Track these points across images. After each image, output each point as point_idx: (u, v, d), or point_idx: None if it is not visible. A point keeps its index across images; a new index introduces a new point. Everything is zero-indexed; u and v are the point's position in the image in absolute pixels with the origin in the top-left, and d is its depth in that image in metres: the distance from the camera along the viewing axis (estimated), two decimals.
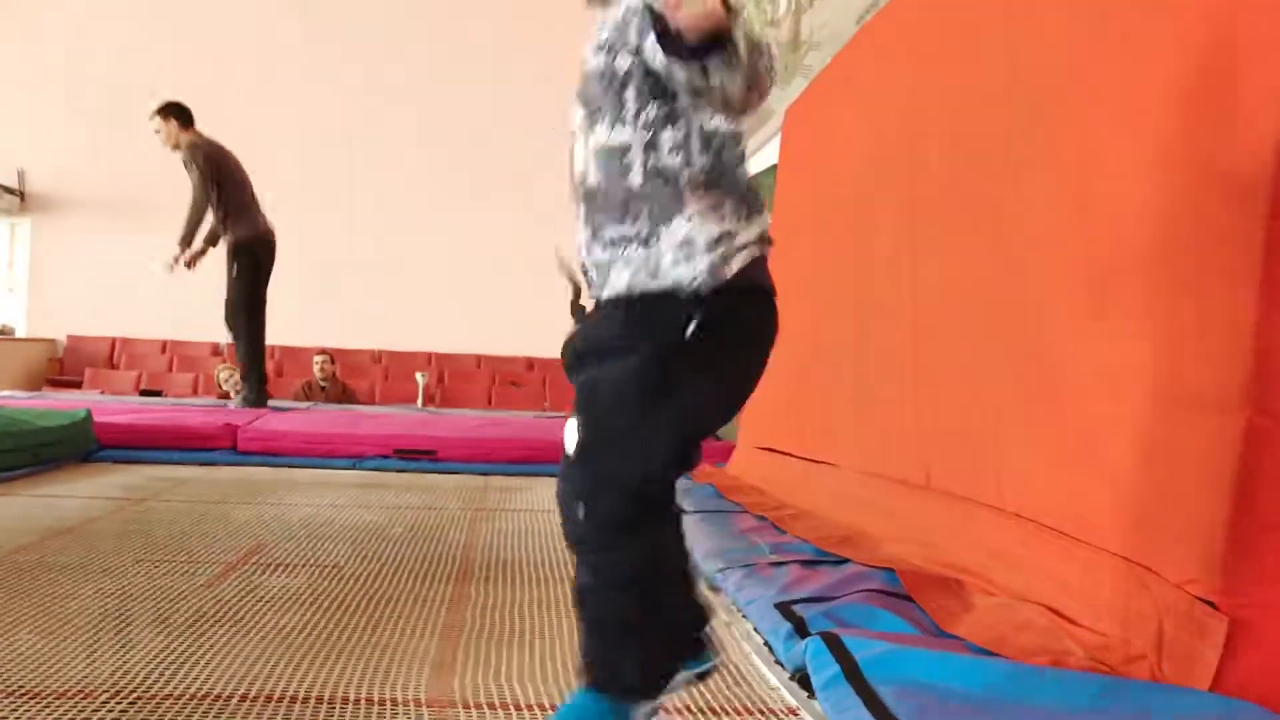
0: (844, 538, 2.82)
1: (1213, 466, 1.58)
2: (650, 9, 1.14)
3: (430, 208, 11.96)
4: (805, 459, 3.71)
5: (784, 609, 2.15)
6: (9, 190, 11.59)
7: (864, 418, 3.19)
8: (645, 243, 1.28)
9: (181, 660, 1.82)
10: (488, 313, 12.14)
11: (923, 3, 3.19)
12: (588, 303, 1.39)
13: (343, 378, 10.41)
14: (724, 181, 1.29)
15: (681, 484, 3.60)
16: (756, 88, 1.17)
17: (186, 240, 6.09)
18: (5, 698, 1.59)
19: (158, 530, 3.16)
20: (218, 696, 1.64)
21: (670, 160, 1.27)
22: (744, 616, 2.30)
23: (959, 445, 2.51)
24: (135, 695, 1.63)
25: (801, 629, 2.00)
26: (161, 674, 1.74)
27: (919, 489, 2.70)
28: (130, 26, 11.75)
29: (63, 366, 11.61)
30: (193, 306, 11.51)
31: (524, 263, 12.12)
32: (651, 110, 1.28)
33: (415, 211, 11.91)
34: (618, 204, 1.30)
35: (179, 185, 6.52)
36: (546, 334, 12.24)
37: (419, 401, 10.58)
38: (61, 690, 1.64)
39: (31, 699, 1.59)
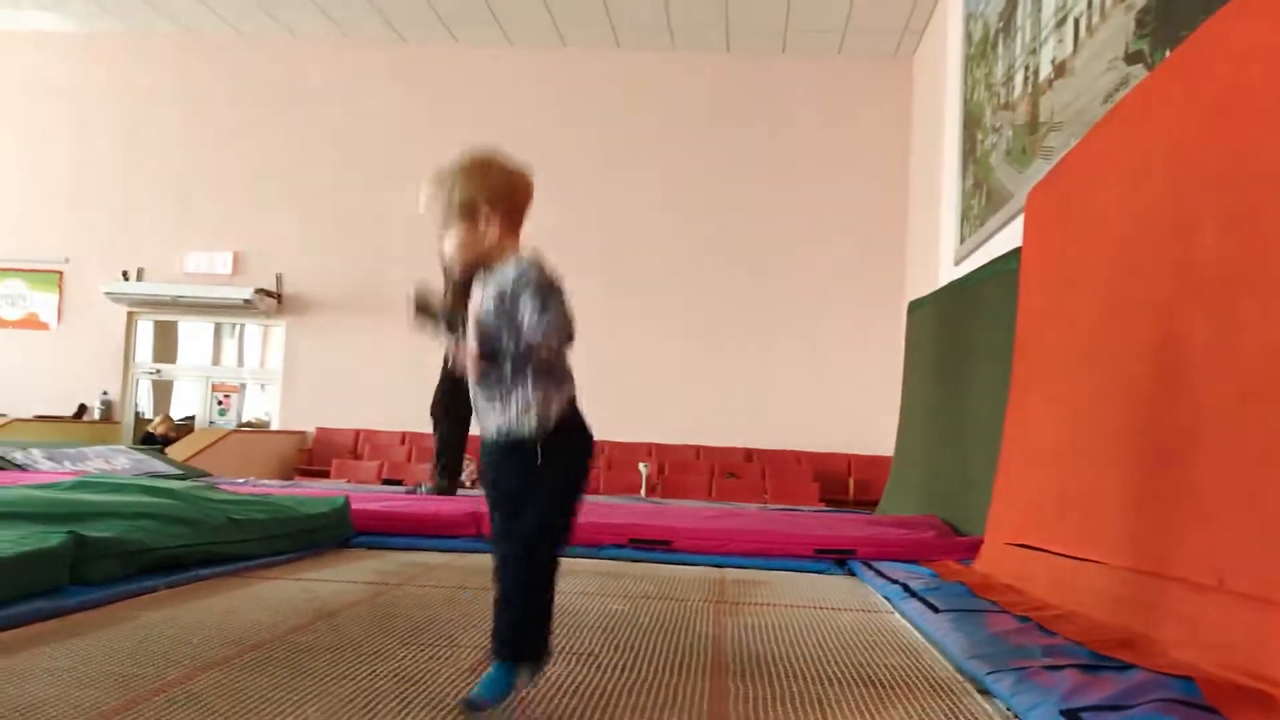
0: (1121, 641, 2.63)
1: None
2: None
3: (649, 303, 12.21)
4: (1066, 556, 3.50)
5: (1071, 717, 2.01)
6: (269, 293, 12.54)
7: (1136, 512, 2.99)
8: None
9: None
10: (706, 404, 12.22)
11: (1187, 76, 3.05)
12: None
13: None
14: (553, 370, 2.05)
15: (930, 583, 3.47)
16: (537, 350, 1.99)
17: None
18: None
19: (415, 614, 3.27)
20: None
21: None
22: None
23: (1259, 543, 2.31)
24: None
25: None
26: None
27: (1208, 590, 2.49)
28: (390, 142, 12.62)
29: (311, 457, 12.34)
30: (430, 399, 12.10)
31: (742, 355, 12.20)
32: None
33: (634, 307, 12.18)
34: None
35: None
36: (764, 426, 12.23)
37: (643, 491, 10.68)
38: None
39: None
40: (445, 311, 2.07)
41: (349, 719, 1.99)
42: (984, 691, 2.45)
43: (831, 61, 12.57)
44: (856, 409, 11.90)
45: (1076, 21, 4.68)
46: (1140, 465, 3.03)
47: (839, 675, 2.61)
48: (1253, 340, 2.44)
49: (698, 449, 12.32)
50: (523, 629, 2.00)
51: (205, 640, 2.72)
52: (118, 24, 12.76)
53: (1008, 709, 2.27)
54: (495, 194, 2.07)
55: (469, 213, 2.06)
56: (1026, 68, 5.52)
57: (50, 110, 13.07)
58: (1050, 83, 5.05)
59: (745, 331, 12.25)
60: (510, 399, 2.01)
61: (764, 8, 11.50)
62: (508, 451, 2.04)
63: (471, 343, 2.02)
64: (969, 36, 7.39)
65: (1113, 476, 3.23)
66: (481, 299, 2.05)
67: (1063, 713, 2.04)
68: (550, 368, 2.02)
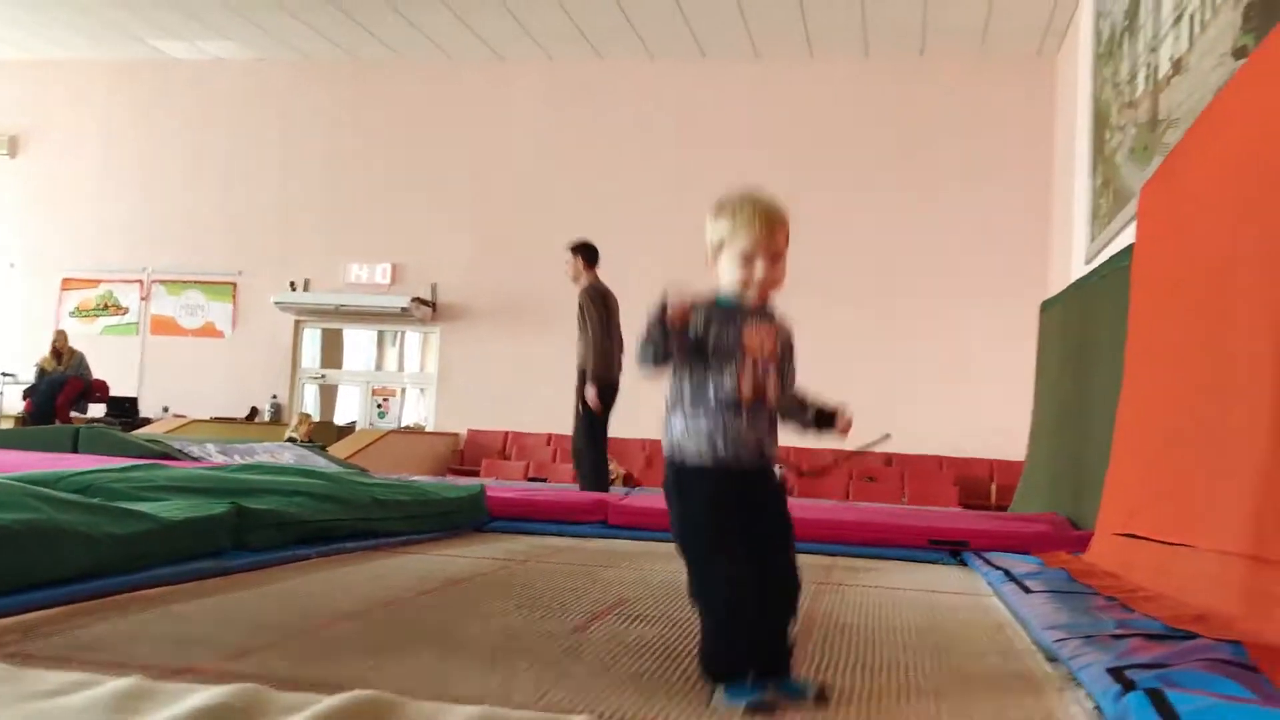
0: (1196, 616, 2.72)
1: None
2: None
3: (786, 306, 12.32)
4: (1163, 542, 3.57)
5: (1116, 673, 2.14)
6: (424, 302, 13.18)
7: (1223, 497, 3.06)
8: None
9: (550, 686, 2.07)
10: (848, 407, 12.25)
11: (1274, 68, 3.11)
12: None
13: None
14: None
15: (1032, 569, 3.67)
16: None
17: (599, 376, 6.64)
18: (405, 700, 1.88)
19: (536, 584, 3.56)
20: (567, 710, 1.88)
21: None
22: (1077, 683, 2.30)
23: None
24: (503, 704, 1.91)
25: (1129, 689, 2.00)
26: (535, 692, 2.01)
27: (1259, 561, 2.58)
28: (535, 158, 13.15)
29: (463, 457, 12.91)
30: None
31: (883, 359, 12.20)
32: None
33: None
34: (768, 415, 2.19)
35: (559, 298, 7.30)
36: (905, 430, 12.17)
37: None
38: (454, 698, 1.92)
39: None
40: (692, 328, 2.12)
41: (456, 662, 2.26)
42: (1053, 659, 2.58)
43: (972, 63, 12.49)
44: (999, 413, 11.75)
45: (1191, 18, 4.69)
46: (1226, 453, 3.10)
47: (917, 644, 2.78)
48: None
49: (835, 453, 12.36)
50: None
51: (346, 597, 3.07)
52: (282, 50, 13.62)
53: (1068, 671, 2.41)
54: None
55: (785, 249, 2.21)
56: (1148, 65, 5.51)
57: (219, 132, 14.05)
58: (1169, 79, 5.05)
59: (885, 334, 12.25)
60: (774, 434, 2.19)
61: (901, 8, 11.52)
62: (774, 479, 2.20)
63: (765, 375, 2.15)
64: (1099, 35, 7.34)
65: (1204, 465, 3.30)
66: (764, 336, 2.17)
67: (1109, 670, 2.18)
68: None
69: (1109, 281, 5.33)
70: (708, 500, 2.12)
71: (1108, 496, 4.49)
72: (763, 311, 2.20)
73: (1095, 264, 6.76)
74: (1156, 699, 1.77)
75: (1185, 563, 3.32)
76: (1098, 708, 2.08)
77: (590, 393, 6.61)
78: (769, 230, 2.15)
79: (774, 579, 2.12)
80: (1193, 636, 2.49)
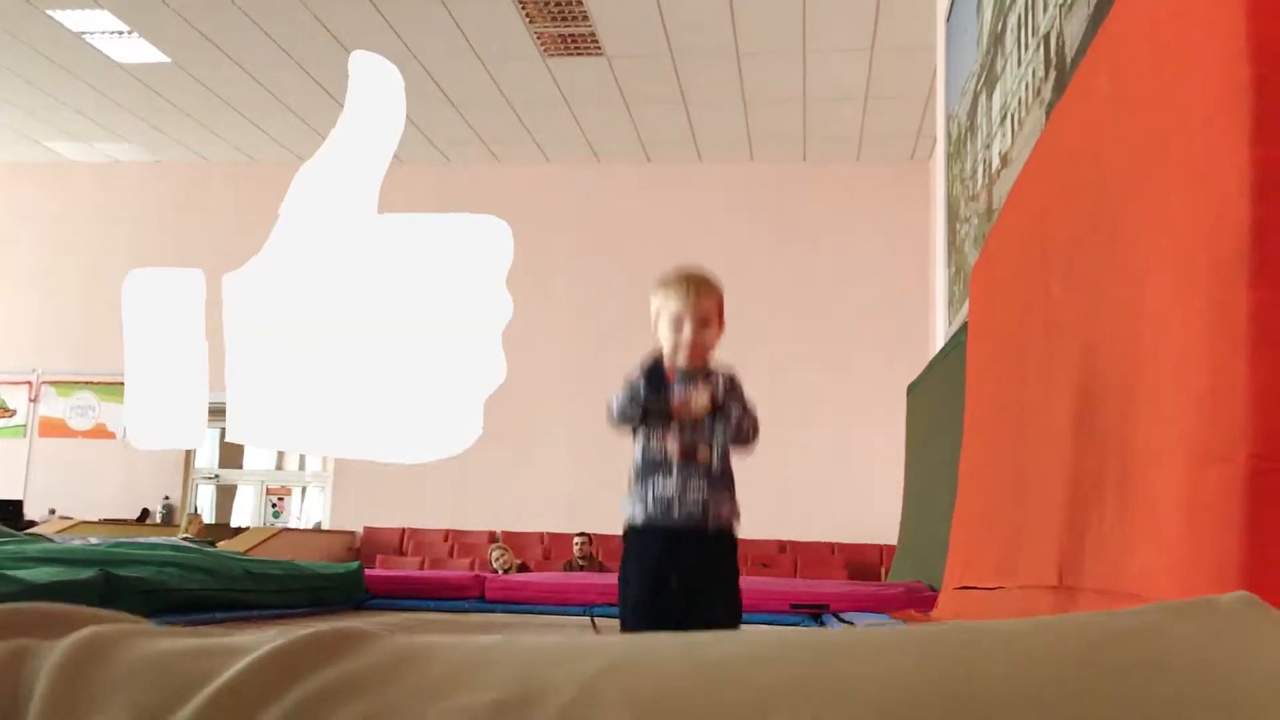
0: None
1: (1225, 512, 1.79)
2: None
3: None
4: (987, 589, 3.87)
5: None
6: None
7: (1020, 537, 3.37)
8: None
9: None
10: (742, 496, 12.53)
11: (1044, 161, 3.53)
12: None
13: (601, 558, 11.01)
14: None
15: (877, 622, 4.09)
16: (743, 440, 2.34)
17: None
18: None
19: None
20: None
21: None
22: None
23: (1080, 542, 2.70)
24: None
25: None
26: None
27: (1051, 589, 2.88)
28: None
29: (360, 555, 12.82)
30: (472, 499, 12.61)
31: (773, 445, 12.51)
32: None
33: None
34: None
35: None
36: (797, 518, 12.48)
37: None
38: None
39: None
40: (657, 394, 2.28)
41: None
42: None
43: (851, 166, 13.16)
44: (887, 497, 12.10)
45: (1013, 116, 5.19)
46: (1027, 499, 3.42)
47: None
48: (1086, 382, 2.86)
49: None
50: None
51: None
52: (180, 151, 13.78)
53: None
54: None
55: (721, 316, 2.42)
56: (985, 161, 6.01)
57: (116, 232, 14.05)
58: (999, 173, 5.54)
59: (775, 423, 12.51)
60: (724, 490, 2.30)
61: (782, 118, 12.14)
62: (713, 540, 2.29)
63: (695, 437, 2.29)
64: (949, 135, 7.93)
65: (1014, 513, 3.62)
66: (691, 399, 2.32)
67: None
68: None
69: (953, 358, 5.73)
70: (635, 557, 2.27)
71: (950, 554, 4.79)
72: (699, 373, 2.37)
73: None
74: None
75: (1000, 603, 3.61)
76: None
77: None
78: (696, 296, 2.36)
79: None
80: None
